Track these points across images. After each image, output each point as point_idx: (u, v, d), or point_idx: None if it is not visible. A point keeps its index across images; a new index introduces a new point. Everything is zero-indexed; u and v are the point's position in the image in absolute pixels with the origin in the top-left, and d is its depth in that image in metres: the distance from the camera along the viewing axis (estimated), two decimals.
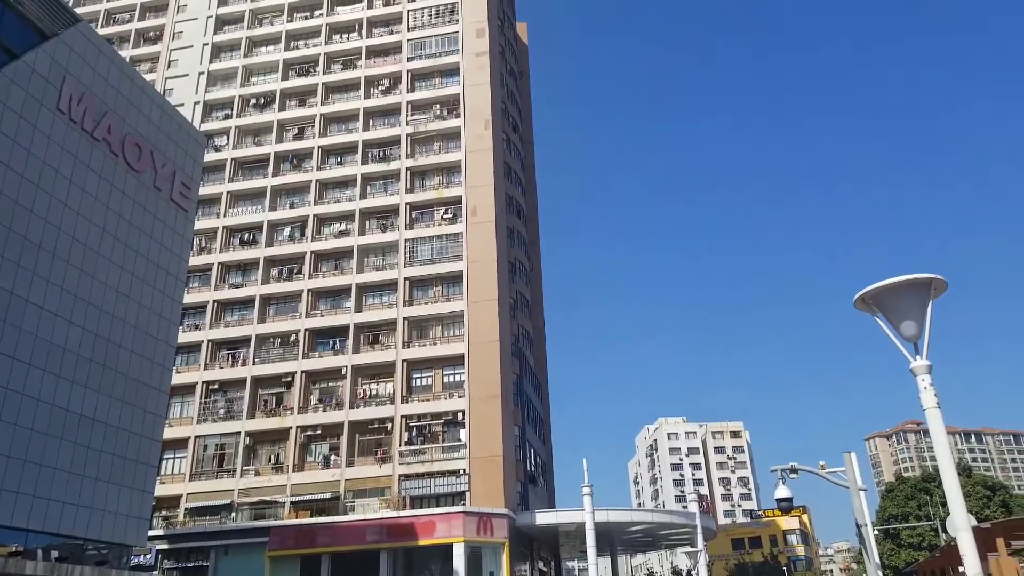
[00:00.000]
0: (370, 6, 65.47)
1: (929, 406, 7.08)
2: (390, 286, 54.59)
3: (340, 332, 53.44)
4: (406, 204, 56.84)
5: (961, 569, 25.76)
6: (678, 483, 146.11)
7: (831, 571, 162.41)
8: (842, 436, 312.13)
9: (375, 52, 63.78)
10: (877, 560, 26.87)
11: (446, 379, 51.16)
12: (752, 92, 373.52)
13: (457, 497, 46.62)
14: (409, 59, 62.34)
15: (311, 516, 47.21)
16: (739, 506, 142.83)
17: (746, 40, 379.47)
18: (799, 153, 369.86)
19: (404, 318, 52.83)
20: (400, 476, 47.87)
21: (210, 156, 57.24)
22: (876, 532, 51.36)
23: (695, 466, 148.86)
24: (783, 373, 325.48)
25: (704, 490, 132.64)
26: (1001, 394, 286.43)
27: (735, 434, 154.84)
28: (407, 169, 58.15)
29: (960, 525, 7.06)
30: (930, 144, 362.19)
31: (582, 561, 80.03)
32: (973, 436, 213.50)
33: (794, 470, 27.91)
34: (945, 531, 43.35)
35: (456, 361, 51.04)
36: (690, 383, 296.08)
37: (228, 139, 61.64)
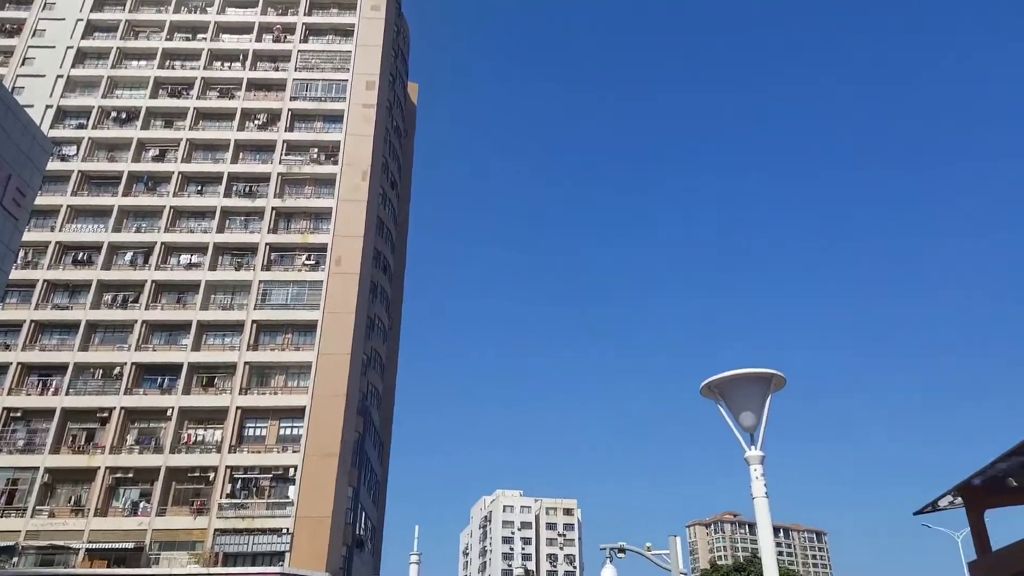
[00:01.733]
0: (259, 39, 63.52)
1: (758, 495, 7.19)
2: (235, 327, 51.34)
3: (172, 370, 49.42)
4: (266, 244, 54.23)
5: None
6: (507, 556, 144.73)
7: None
8: (666, 522, 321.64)
9: (256, 86, 61.65)
10: None
11: (283, 431, 48.10)
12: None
13: (276, 557, 43.27)
14: (292, 98, 60.59)
15: (108, 567, 42.21)
16: None
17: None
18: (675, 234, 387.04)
19: (246, 363, 49.64)
20: (216, 531, 43.98)
21: (55, 165, 52.65)
22: None
23: (526, 540, 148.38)
24: (620, 456, 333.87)
25: (532, 565, 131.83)
26: (805, 492, 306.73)
27: (568, 511, 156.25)
28: (273, 209, 55.74)
29: None
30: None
31: None
32: (782, 531, 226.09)
33: (622, 549, 27.78)
34: None
35: (296, 414, 48.18)
36: (530, 456, 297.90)
37: (79, 150, 57.14)
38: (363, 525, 53.13)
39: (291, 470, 46.03)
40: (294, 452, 46.53)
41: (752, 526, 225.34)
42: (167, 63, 62.07)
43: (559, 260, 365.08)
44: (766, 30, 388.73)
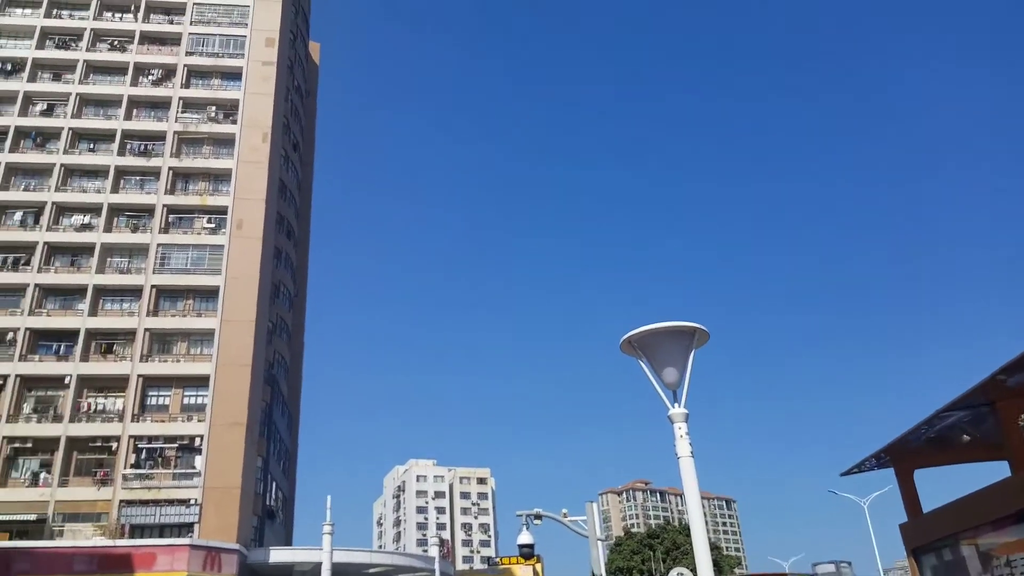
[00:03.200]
0: None
1: (683, 454, 6.92)
2: (134, 292, 49.94)
3: (68, 336, 47.79)
4: (164, 206, 52.64)
5: None
6: (421, 526, 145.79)
7: None
8: (579, 491, 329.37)
9: (150, 39, 58.96)
10: None
11: (187, 400, 47.52)
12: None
13: (185, 528, 43.13)
14: (188, 53, 58.28)
15: (9, 539, 41.07)
16: (478, 552, 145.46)
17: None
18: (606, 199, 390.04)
19: (146, 329, 48.52)
20: (121, 502, 43.37)
21: None
22: None
23: (440, 510, 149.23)
24: (534, 422, 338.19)
25: (446, 535, 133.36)
26: (713, 460, 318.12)
27: (481, 480, 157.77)
28: (170, 169, 54.02)
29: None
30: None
31: None
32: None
33: (538, 516, 29.04)
34: None
35: (200, 382, 47.62)
36: (444, 426, 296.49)
37: None
38: (274, 495, 53.36)
39: (197, 440, 45.65)
40: (199, 421, 46.14)
41: (663, 493, 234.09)
42: (54, 12, 58.43)
43: (466, 223, 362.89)
44: None
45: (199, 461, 45.12)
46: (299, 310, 65.98)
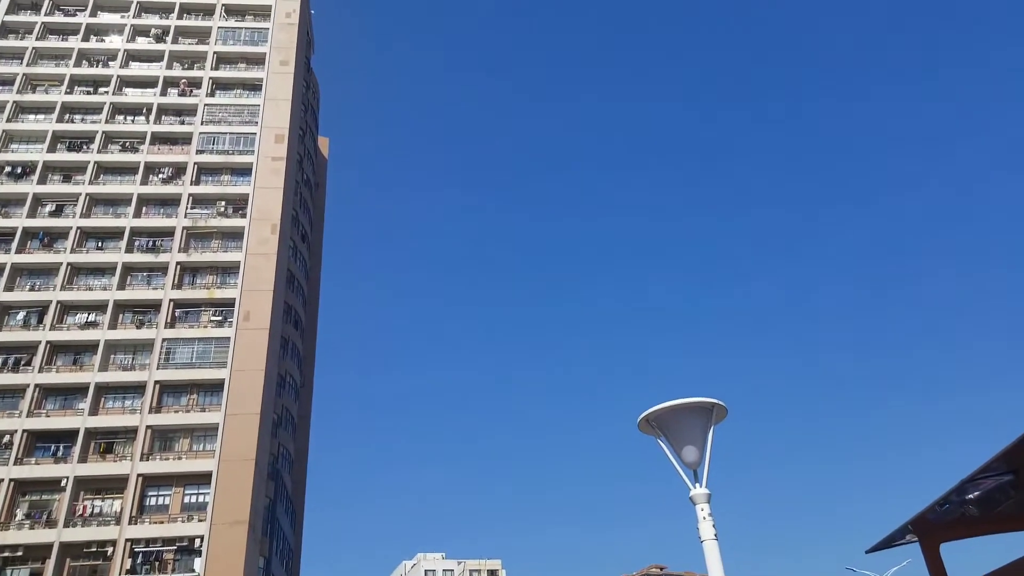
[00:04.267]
0: (163, 93, 61.99)
1: (707, 537, 6.61)
2: (136, 389, 48.83)
3: (67, 437, 46.47)
4: (170, 300, 52.16)
5: None
6: None
7: None
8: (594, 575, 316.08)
9: (161, 139, 60.01)
10: None
11: (187, 499, 45.59)
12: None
13: None
14: (199, 151, 59.13)
15: None
16: None
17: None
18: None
19: (148, 426, 47.12)
20: None
21: None
22: None
23: None
24: (544, 508, 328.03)
25: None
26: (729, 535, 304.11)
27: (492, 572, 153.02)
28: (177, 264, 53.80)
29: None
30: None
31: None
32: None
33: None
34: None
35: (202, 480, 45.79)
36: (455, 518, 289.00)
37: None
38: None
39: (196, 541, 43.47)
40: (200, 521, 44.06)
41: None
42: (66, 116, 59.85)
43: (482, 312, 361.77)
44: None
45: (198, 564, 42.77)
46: (305, 400, 64.42)
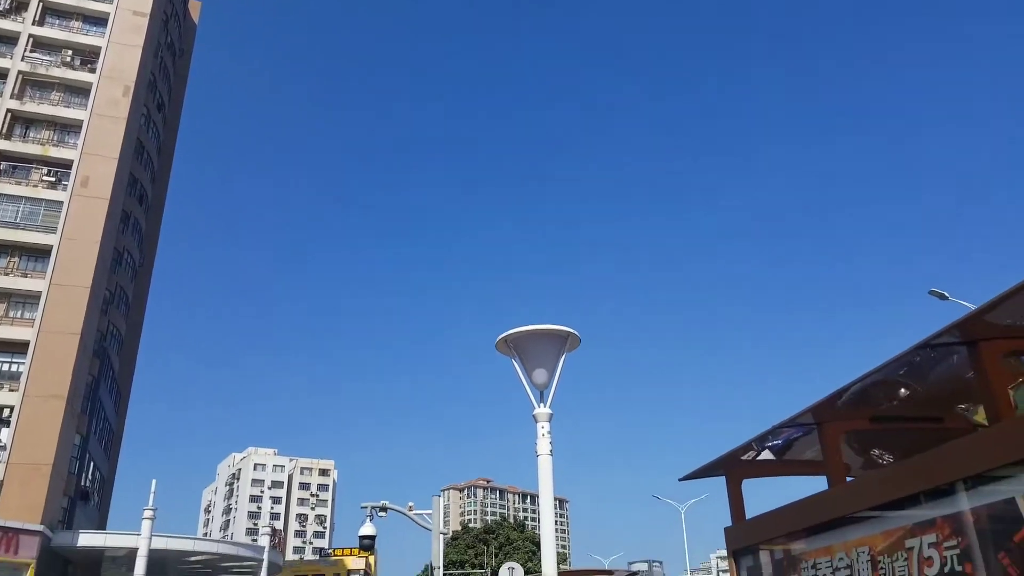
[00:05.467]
0: None
1: (543, 452, 7.29)
2: None
3: None
4: None
5: None
6: (253, 515, 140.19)
7: None
8: (424, 487, 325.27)
9: None
10: None
11: (0, 367, 42.90)
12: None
13: None
14: None
15: None
16: (311, 543, 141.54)
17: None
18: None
19: None
20: None
21: None
22: None
23: (276, 500, 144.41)
24: (384, 416, 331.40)
25: (280, 525, 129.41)
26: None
27: (324, 472, 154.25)
28: (8, 111, 48.79)
29: (548, 572, 7.45)
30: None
31: None
32: (530, 497, 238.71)
33: (384, 508, 28.39)
34: None
35: (17, 348, 42.96)
36: (291, 416, 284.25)
37: None
38: (91, 476, 48.96)
39: (6, 411, 41.16)
40: (11, 391, 41.51)
41: (503, 492, 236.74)
42: None
43: (339, 206, 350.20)
44: None
45: (5, 434, 40.64)
46: (143, 281, 61.23)
